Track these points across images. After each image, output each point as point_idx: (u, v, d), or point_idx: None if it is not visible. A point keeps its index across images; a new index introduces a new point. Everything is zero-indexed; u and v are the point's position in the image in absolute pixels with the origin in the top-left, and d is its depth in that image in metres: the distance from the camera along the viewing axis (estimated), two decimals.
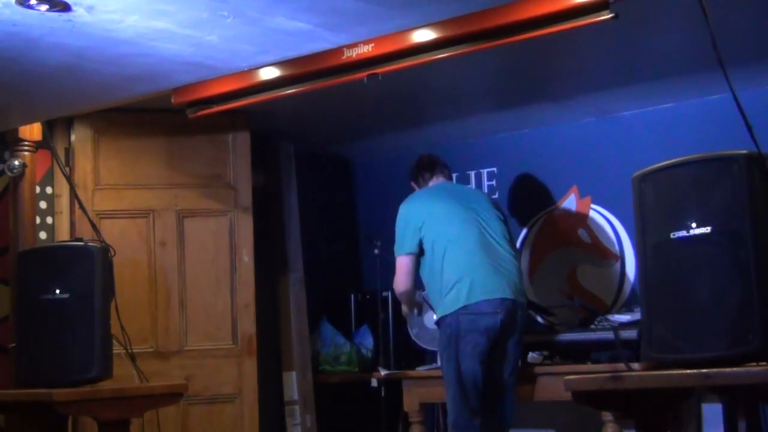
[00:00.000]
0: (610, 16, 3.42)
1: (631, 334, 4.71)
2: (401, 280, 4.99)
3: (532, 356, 5.03)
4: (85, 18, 3.53)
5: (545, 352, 5.11)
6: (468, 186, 6.12)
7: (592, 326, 5.02)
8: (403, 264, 4.95)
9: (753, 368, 2.77)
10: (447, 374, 4.71)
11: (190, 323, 5.42)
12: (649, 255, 3.01)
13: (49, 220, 5.29)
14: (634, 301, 5.38)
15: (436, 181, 5.22)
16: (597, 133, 5.78)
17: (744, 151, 2.84)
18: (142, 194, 5.42)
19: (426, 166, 5.27)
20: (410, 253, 4.90)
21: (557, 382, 4.11)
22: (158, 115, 5.32)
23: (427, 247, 4.86)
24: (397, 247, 4.98)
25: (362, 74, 4.05)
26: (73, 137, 5.34)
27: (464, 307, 4.65)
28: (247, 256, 5.51)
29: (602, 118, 5.77)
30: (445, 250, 4.79)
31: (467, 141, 6.24)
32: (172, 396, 4.58)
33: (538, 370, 4.93)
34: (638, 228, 3.06)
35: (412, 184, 5.31)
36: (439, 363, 4.89)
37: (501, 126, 6.02)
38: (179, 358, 5.37)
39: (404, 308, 5.30)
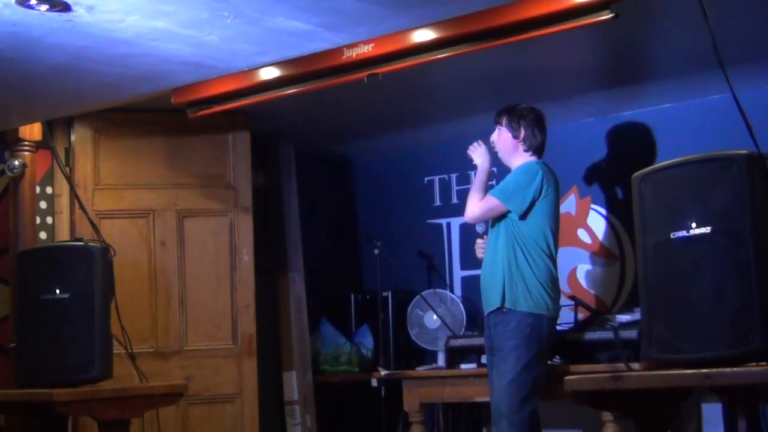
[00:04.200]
0: (610, 16, 3.42)
1: (631, 334, 4.70)
2: (476, 215, 4.69)
3: None
4: (85, 18, 3.53)
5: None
6: None
7: (592, 326, 5.02)
8: (493, 207, 4.60)
9: (753, 368, 2.77)
10: (516, 372, 4.47)
11: (190, 323, 5.42)
12: (649, 255, 3.01)
13: (49, 220, 5.29)
14: (634, 301, 5.37)
15: (539, 156, 4.73)
16: (597, 133, 5.78)
17: (744, 151, 2.84)
18: (142, 194, 5.42)
19: (541, 123, 4.73)
20: (510, 209, 4.54)
21: None
22: (158, 115, 5.32)
23: (533, 222, 4.54)
24: (503, 193, 4.57)
25: (362, 74, 4.06)
26: (73, 137, 5.34)
27: (554, 318, 4.61)
28: (247, 256, 5.51)
29: (602, 118, 5.77)
30: (551, 242, 4.57)
31: (467, 141, 6.22)
32: (172, 396, 4.58)
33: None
34: (638, 228, 3.06)
35: (510, 128, 4.72)
36: (502, 358, 4.55)
37: None
38: (179, 358, 5.37)
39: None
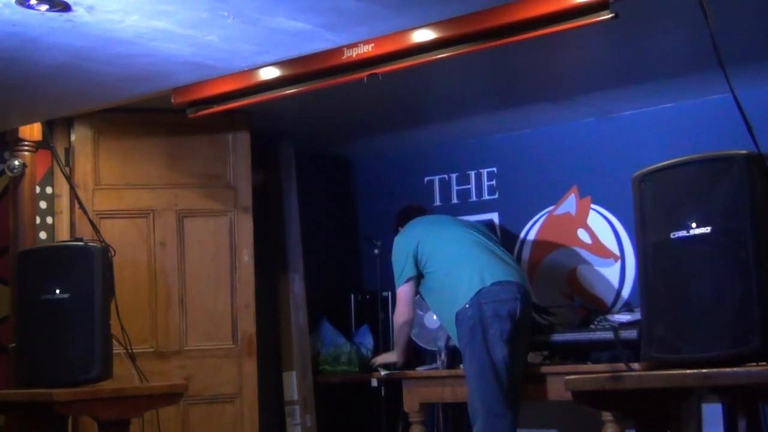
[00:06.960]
0: (610, 16, 3.42)
1: (631, 334, 4.70)
2: (403, 311, 5.06)
3: (530, 356, 5.03)
4: (85, 18, 3.53)
5: (545, 352, 5.11)
6: None
7: (592, 326, 5.02)
8: (403, 293, 5.01)
9: (753, 368, 2.78)
10: (474, 366, 4.64)
11: (190, 323, 5.41)
12: (649, 255, 3.01)
13: (49, 220, 5.29)
14: (634, 301, 5.38)
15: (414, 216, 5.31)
16: (597, 133, 5.78)
17: (744, 151, 2.84)
18: (142, 194, 5.42)
19: (417, 211, 5.40)
20: (409, 278, 4.94)
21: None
22: (158, 115, 5.32)
23: (428, 267, 4.90)
24: (396, 279, 5.01)
25: (362, 74, 4.05)
26: (73, 137, 5.34)
27: (481, 293, 4.65)
28: (247, 256, 5.51)
29: (602, 118, 5.77)
30: (450, 266, 4.83)
31: (467, 141, 6.24)
32: (172, 396, 4.58)
33: (546, 369, 4.89)
34: (638, 228, 3.06)
35: (399, 228, 5.29)
36: (463, 360, 4.78)
37: (501, 126, 6.02)
38: (179, 358, 5.37)
39: (396, 353, 5.38)
